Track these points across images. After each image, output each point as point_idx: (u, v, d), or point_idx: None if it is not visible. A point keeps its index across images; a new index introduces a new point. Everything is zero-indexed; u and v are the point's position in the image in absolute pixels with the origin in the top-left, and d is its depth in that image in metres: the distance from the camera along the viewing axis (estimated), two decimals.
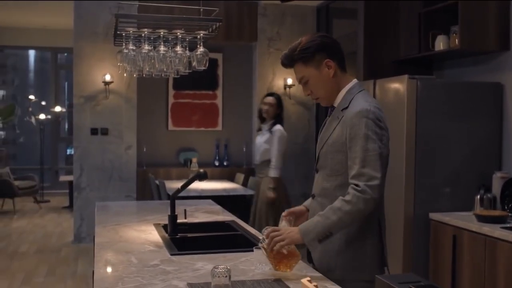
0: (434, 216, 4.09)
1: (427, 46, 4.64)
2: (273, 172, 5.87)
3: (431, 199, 4.18)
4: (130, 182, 7.47)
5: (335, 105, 2.40)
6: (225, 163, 8.02)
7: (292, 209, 2.56)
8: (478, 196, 4.03)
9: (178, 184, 6.64)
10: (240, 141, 8.12)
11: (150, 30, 3.72)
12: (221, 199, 6.25)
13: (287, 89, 7.82)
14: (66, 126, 13.14)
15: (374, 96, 4.51)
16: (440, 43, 4.53)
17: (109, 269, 2.35)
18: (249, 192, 6.49)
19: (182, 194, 5.86)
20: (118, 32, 3.75)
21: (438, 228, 4.04)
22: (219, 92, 8.06)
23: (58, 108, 11.48)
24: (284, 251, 2.21)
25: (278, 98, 6.08)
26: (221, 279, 2.01)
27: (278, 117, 6.02)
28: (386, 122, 2.30)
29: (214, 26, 3.77)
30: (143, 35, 3.73)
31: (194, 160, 7.39)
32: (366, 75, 4.93)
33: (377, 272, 2.25)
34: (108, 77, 7.18)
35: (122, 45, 4.00)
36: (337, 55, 2.39)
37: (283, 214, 2.46)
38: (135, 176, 7.50)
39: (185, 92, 7.97)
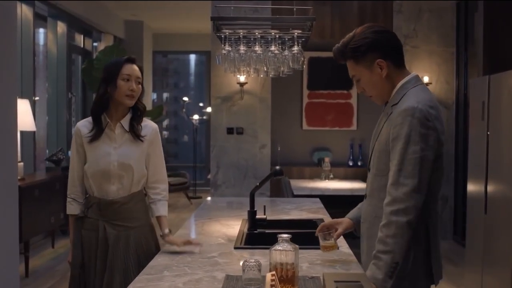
0: None
1: None
2: None
3: None
4: None
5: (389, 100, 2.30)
6: (359, 163, 7.92)
7: (322, 224, 2.51)
8: None
9: (309, 184, 6.89)
10: None
11: (246, 31, 3.82)
12: (343, 199, 6.25)
13: None
14: None
15: (489, 93, 4.22)
16: None
17: (166, 258, 2.48)
18: None
19: (304, 192, 6.08)
20: (217, 34, 3.90)
21: None
22: (353, 92, 7.96)
23: (209, 109, 12.09)
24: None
25: None
26: (251, 272, 2.06)
27: None
28: (439, 121, 2.11)
29: (309, 25, 3.79)
30: (240, 36, 3.85)
31: (327, 159, 7.41)
32: (486, 72, 4.62)
33: (420, 283, 2.10)
34: (242, 78, 7.43)
35: (232, 46, 4.14)
36: (391, 53, 2.24)
37: (317, 233, 2.44)
38: None
39: (319, 92, 8.00)
